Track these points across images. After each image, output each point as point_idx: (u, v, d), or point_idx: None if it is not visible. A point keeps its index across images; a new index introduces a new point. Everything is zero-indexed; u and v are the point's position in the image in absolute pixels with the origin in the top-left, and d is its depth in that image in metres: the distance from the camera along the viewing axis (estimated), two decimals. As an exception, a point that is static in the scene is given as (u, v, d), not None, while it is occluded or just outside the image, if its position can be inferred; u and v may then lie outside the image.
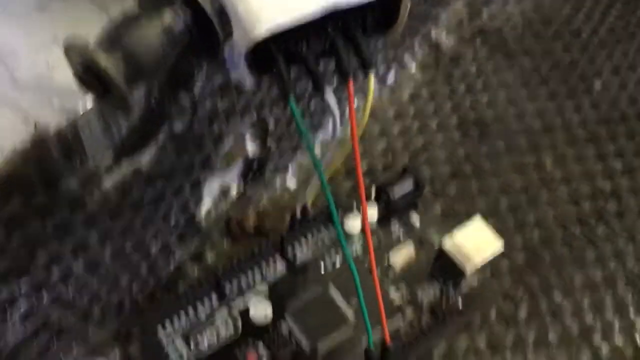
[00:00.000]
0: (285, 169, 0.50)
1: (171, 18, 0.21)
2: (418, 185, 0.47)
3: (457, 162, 0.53)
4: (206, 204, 0.44)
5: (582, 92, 0.58)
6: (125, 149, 0.30)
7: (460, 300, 0.43)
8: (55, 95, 0.28)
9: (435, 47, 0.60)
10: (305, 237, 0.45)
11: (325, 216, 0.46)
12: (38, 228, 0.26)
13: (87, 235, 0.30)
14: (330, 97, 0.25)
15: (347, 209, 0.47)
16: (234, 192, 0.46)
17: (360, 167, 0.28)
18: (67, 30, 0.31)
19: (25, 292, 0.28)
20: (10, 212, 0.24)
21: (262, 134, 0.44)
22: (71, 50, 0.20)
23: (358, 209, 0.46)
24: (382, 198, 0.47)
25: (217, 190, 0.45)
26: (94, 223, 0.30)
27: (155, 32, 0.20)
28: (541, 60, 0.61)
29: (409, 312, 0.42)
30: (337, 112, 0.26)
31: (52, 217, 0.27)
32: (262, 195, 0.49)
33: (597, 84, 0.59)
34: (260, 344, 0.40)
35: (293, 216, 0.43)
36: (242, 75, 0.26)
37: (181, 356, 0.39)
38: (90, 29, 0.31)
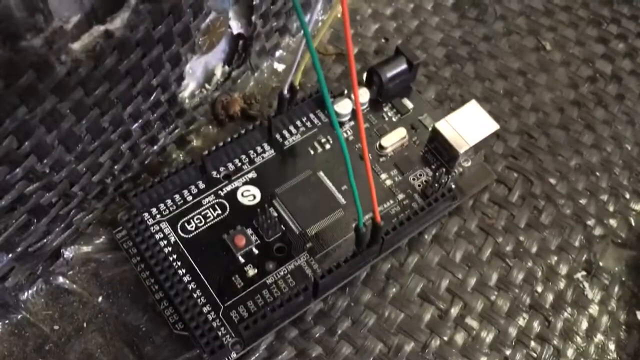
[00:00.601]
0: (273, 50, 0.48)
1: None
2: (410, 67, 0.44)
3: (453, 45, 0.50)
4: (190, 86, 0.42)
5: (587, -29, 0.55)
6: (95, 9, 0.28)
7: (452, 183, 0.42)
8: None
9: None
10: (293, 119, 0.44)
11: (314, 100, 0.44)
12: (1, 91, 0.25)
13: (58, 105, 0.28)
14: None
15: (336, 94, 0.45)
16: (218, 74, 0.44)
17: (351, 46, 0.25)
18: None
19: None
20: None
21: (246, 11, 0.41)
22: None
23: (348, 93, 0.44)
24: (374, 81, 0.45)
25: (201, 72, 0.43)
26: (64, 92, 0.28)
27: None
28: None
29: (401, 195, 0.41)
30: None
31: (15, 79, 0.25)
32: (249, 79, 0.47)
33: (603, -37, 0.56)
34: (249, 229, 0.39)
35: (281, 98, 0.41)
36: None
37: (168, 240, 0.38)
38: None
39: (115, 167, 0.37)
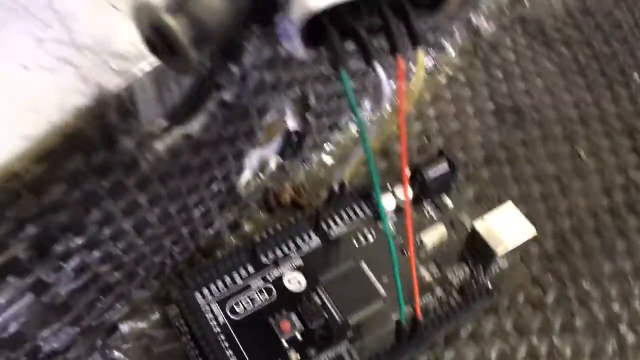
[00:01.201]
0: (323, 145, 0.51)
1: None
2: (452, 169, 0.47)
3: (492, 148, 0.53)
4: (246, 175, 0.45)
5: (621, 84, 0.58)
6: (178, 114, 0.31)
7: (489, 282, 0.44)
8: (113, 58, 0.29)
9: (475, 32, 0.60)
10: (340, 212, 0.47)
11: (361, 194, 0.47)
12: (95, 187, 0.28)
13: (139, 197, 0.31)
14: (381, 73, 0.26)
15: (381, 189, 0.48)
16: (272, 165, 0.47)
17: (406, 146, 0.28)
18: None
19: (79, 247, 0.30)
20: (72, 169, 0.26)
21: (303, 110, 0.45)
22: (140, 12, 0.21)
23: (392, 189, 0.47)
24: (417, 179, 0.48)
25: (257, 162, 0.46)
26: (146, 186, 0.31)
27: (221, -2, 0.22)
28: (580, 50, 0.60)
29: (439, 291, 0.43)
30: (387, 88, 0.27)
31: (108, 177, 0.28)
32: (300, 170, 0.50)
33: (636, 77, 0.59)
34: (294, 314, 0.41)
35: (331, 192, 0.44)
36: (295, 46, 0.27)
37: (218, 320, 0.40)
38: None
39: (175, 249, 0.40)
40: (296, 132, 0.47)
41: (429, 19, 0.29)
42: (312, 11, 0.25)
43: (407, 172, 0.48)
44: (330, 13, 0.26)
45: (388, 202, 0.47)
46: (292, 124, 0.46)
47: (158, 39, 0.21)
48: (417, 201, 0.48)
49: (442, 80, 0.57)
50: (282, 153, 0.48)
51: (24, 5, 0.31)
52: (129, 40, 0.30)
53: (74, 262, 0.30)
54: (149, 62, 0.29)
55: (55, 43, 0.30)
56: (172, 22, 0.20)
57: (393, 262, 0.33)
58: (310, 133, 0.48)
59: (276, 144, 0.47)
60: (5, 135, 0.26)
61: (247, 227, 0.47)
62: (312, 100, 0.44)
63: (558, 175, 0.52)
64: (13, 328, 0.29)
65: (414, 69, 0.28)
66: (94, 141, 0.26)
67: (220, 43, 0.29)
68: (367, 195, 0.47)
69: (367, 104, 0.53)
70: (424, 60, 0.27)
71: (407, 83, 0.28)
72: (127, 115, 0.29)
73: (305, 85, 0.41)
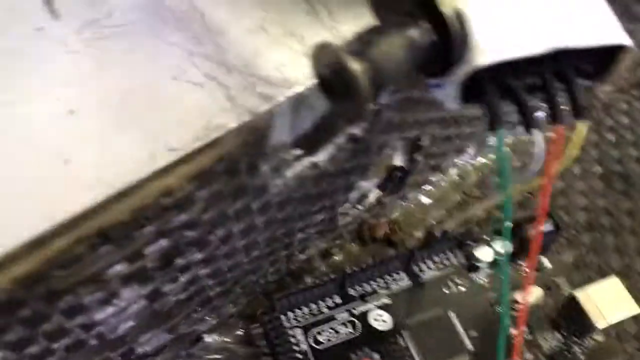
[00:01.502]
0: (423, 184, 0.50)
1: (418, 34, 0.21)
2: (556, 229, 0.46)
3: (596, 213, 0.51)
4: (345, 206, 0.45)
5: None
6: (308, 143, 0.31)
7: (582, 355, 0.42)
8: (258, 81, 0.29)
9: (590, 92, 0.58)
10: (434, 256, 0.46)
11: (457, 241, 0.46)
12: (228, 207, 0.28)
13: (257, 219, 0.32)
14: (539, 140, 0.25)
15: (477, 239, 0.47)
16: (372, 198, 0.47)
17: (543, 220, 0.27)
18: (275, 17, 0.32)
19: (197, 261, 0.30)
20: (216, 190, 0.26)
21: (413, 149, 0.45)
22: (321, 50, 0.21)
23: (488, 239, 0.46)
24: (517, 235, 0.46)
25: (357, 194, 0.46)
26: (266, 209, 0.31)
27: (401, 46, 0.21)
28: (699, 124, 0.58)
29: (528, 355, 0.42)
30: (541, 154, 0.26)
31: (241, 199, 0.28)
32: (397, 206, 0.49)
33: None
34: (376, 353, 0.40)
35: (428, 234, 0.43)
36: (447, 97, 0.27)
37: (299, 346, 0.40)
38: (297, 19, 0.32)
39: (270, 269, 0.40)
40: (400, 168, 0.47)
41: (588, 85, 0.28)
42: (477, 67, 0.24)
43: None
44: (492, 68, 0.25)
45: (485, 254, 0.45)
46: (398, 160, 0.46)
47: (336, 79, 0.21)
48: (514, 257, 0.47)
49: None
50: (382, 187, 0.48)
51: (178, 16, 0.31)
52: (275, 65, 0.30)
53: (188, 275, 0.30)
54: (291, 89, 0.29)
55: (206, 59, 0.30)
56: (355, 66, 0.20)
57: (501, 319, 0.32)
58: (414, 171, 0.48)
59: (378, 178, 0.47)
60: (153, 146, 0.26)
61: (338, 257, 0.46)
62: (425, 141, 0.44)
63: (663, 252, 0.49)
64: (121, 330, 0.30)
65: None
66: (237, 163, 0.26)
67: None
68: (462, 244, 0.46)
69: (470, 150, 0.52)
70: (584, 132, 0.26)
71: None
72: (265, 140, 0.29)
73: (425, 127, 0.41)
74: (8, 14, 0.30)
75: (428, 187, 0.51)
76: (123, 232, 0.23)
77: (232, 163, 0.26)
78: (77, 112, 0.27)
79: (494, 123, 0.25)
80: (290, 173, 0.30)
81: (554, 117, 0.25)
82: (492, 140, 0.26)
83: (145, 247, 0.25)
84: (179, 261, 0.28)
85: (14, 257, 0.21)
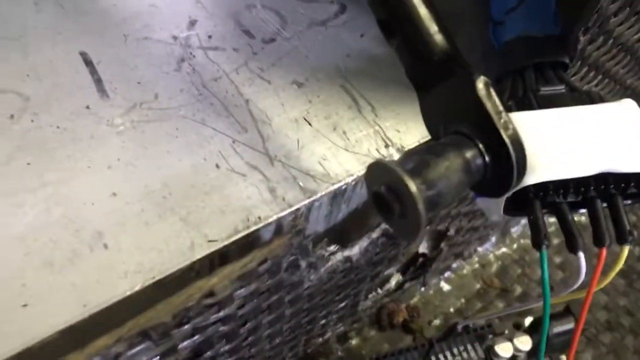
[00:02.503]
0: (444, 271, 0.50)
1: (473, 157, 0.21)
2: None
3: (616, 312, 0.50)
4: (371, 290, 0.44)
5: None
6: (343, 237, 0.31)
7: None
8: (300, 173, 0.29)
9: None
10: (452, 348, 0.45)
11: (477, 335, 0.45)
12: (263, 302, 0.28)
13: (286, 310, 0.31)
14: (582, 260, 0.25)
15: (498, 333, 0.46)
16: (393, 283, 0.46)
17: (580, 330, 0.27)
18: (319, 109, 0.33)
19: (224, 352, 0.29)
20: (254, 288, 0.26)
21: (439, 238, 0.44)
22: (378, 169, 0.21)
23: (511, 336, 0.45)
24: (538, 331, 0.45)
25: (378, 279, 0.45)
26: (297, 301, 0.31)
27: (457, 169, 0.21)
28: None
29: None
30: (583, 272, 0.26)
31: (277, 294, 0.28)
32: (416, 291, 0.49)
33: None
34: None
35: (450, 329, 0.42)
36: (491, 208, 0.27)
37: None
38: (339, 113, 0.33)
39: (289, 354, 0.40)
40: (423, 255, 0.47)
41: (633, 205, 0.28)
42: (525, 184, 0.24)
43: (525, 322, 0.46)
44: (539, 184, 0.25)
45: (504, 349, 0.44)
46: (422, 247, 0.45)
47: (393, 198, 0.20)
48: (533, 354, 0.46)
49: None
50: (404, 272, 0.47)
51: (224, 102, 0.32)
52: (317, 158, 0.30)
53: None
54: (332, 184, 0.29)
55: (249, 147, 0.30)
56: (414, 187, 0.20)
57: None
58: (437, 258, 0.47)
59: (402, 263, 0.46)
60: (193, 236, 0.26)
61: (355, 341, 0.46)
62: (452, 232, 0.43)
63: (684, 358, 0.48)
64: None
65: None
66: (280, 263, 0.26)
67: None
68: (482, 338, 0.45)
69: (493, 239, 0.52)
70: (626, 255, 0.26)
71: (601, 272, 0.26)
72: (302, 234, 0.29)
73: (455, 219, 0.41)
74: (57, 89, 0.31)
75: (448, 274, 0.51)
76: (163, 331, 0.23)
77: (275, 263, 0.26)
78: (118, 195, 0.27)
79: (538, 241, 0.25)
80: (325, 268, 0.30)
81: (599, 240, 0.25)
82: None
83: (180, 343, 0.25)
84: (209, 353, 0.28)
85: (52, 353, 0.21)
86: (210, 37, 0.35)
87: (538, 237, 0.25)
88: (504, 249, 0.53)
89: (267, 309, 0.29)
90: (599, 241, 0.25)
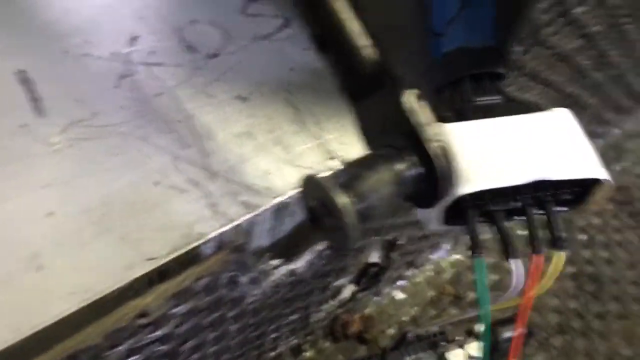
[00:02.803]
0: (397, 280, 0.50)
1: (405, 169, 0.22)
2: (528, 333, 0.46)
3: (567, 315, 0.51)
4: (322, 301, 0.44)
5: None
6: (287, 250, 0.31)
7: None
8: (242, 189, 0.29)
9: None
10: (407, 357, 0.45)
11: (429, 343, 0.46)
12: (203, 320, 0.27)
13: (231, 327, 0.31)
14: (517, 268, 0.26)
15: (450, 340, 0.46)
16: (346, 293, 0.46)
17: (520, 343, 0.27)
18: (263, 124, 0.33)
19: None
20: (191, 306, 0.26)
21: (389, 248, 0.45)
22: (310, 184, 0.21)
23: (463, 342, 0.46)
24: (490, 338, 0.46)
25: (331, 290, 0.45)
26: (241, 317, 0.31)
27: (388, 182, 0.21)
28: (666, 228, 0.59)
29: None
30: (516, 281, 0.26)
31: (217, 311, 0.28)
32: (369, 301, 0.49)
33: None
34: None
35: (402, 339, 0.43)
36: (430, 218, 0.27)
37: None
38: (283, 127, 0.33)
39: (241, 366, 0.39)
40: (375, 264, 0.47)
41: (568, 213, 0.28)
42: (459, 195, 0.25)
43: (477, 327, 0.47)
44: (474, 194, 0.26)
45: (456, 355, 0.45)
46: (374, 257, 0.46)
47: (325, 213, 0.21)
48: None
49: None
50: (357, 282, 0.47)
51: (165, 119, 0.31)
52: (260, 172, 0.30)
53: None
54: (275, 198, 0.29)
55: (190, 164, 0.30)
56: (343, 201, 0.20)
57: None
58: (389, 267, 0.48)
59: (353, 273, 0.46)
60: (131, 254, 0.26)
61: (309, 353, 0.46)
62: (402, 241, 0.44)
63: (632, 358, 0.49)
64: None
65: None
66: (218, 279, 0.26)
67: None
68: (435, 345, 0.46)
69: (446, 246, 0.52)
70: (561, 264, 0.26)
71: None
72: (244, 249, 0.28)
73: (403, 229, 0.41)
74: (-8, 108, 0.30)
75: (402, 283, 0.51)
76: (94, 353, 0.23)
77: (213, 280, 0.26)
78: (55, 215, 0.27)
79: (474, 250, 0.25)
80: (268, 282, 0.30)
81: (532, 247, 0.26)
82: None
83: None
84: (148, 373, 0.27)
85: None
86: (152, 52, 0.35)
87: (474, 245, 0.26)
88: (457, 256, 0.53)
89: (210, 326, 0.29)
90: (533, 248, 0.26)
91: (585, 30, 0.35)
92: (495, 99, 0.29)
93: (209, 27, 0.37)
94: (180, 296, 0.25)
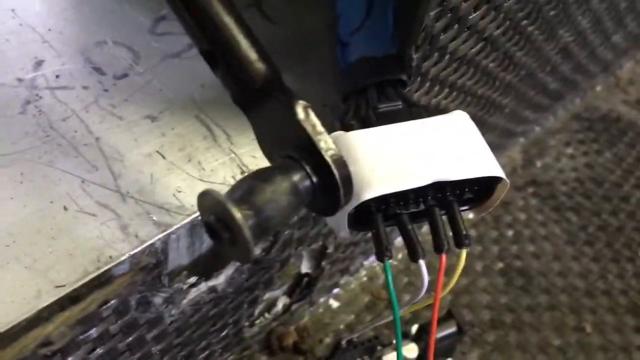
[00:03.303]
0: (332, 288, 0.51)
1: (300, 180, 0.22)
2: (460, 331, 0.47)
3: (498, 310, 0.53)
4: (253, 316, 0.44)
5: (626, 259, 0.59)
6: (205, 267, 0.31)
7: None
8: (154, 208, 0.29)
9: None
10: (342, 364, 0.45)
11: (365, 347, 0.46)
12: (118, 343, 0.27)
13: (153, 348, 0.31)
14: (423, 268, 0.26)
15: (385, 344, 0.47)
16: (279, 306, 0.47)
17: (434, 339, 0.28)
18: (174, 142, 0.33)
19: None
20: (102, 331, 0.25)
21: (318, 256, 0.45)
22: (206, 199, 0.21)
23: (395, 344, 0.46)
24: (422, 339, 0.47)
25: (264, 303, 0.45)
26: (163, 338, 0.31)
27: (284, 192, 0.22)
28: (588, 219, 0.62)
29: None
30: (426, 281, 0.27)
31: (133, 334, 0.27)
32: (305, 312, 0.49)
33: (642, 253, 0.60)
34: None
35: (337, 344, 0.43)
36: (338, 225, 0.28)
37: None
38: (194, 144, 0.33)
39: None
40: (307, 274, 0.47)
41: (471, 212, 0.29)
42: (361, 201, 0.25)
43: (412, 330, 0.47)
44: (379, 199, 0.26)
45: (392, 358, 0.45)
46: (305, 267, 0.46)
47: (221, 227, 0.21)
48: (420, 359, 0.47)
49: (453, 232, 0.58)
50: (290, 294, 0.48)
51: (73, 143, 0.31)
52: (172, 191, 0.30)
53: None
54: (188, 216, 0.29)
55: (99, 186, 0.30)
56: (238, 215, 0.20)
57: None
58: (321, 277, 0.48)
59: (286, 285, 0.47)
60: (39, 282, 0.25)
61: (246, 369, 0.45)
62: (330, 249, 0.44)
63: (563, 347, 0.51)
64: None
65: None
66: (127, 302, 0.26)
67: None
68: (371, 350, 0.46)
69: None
70: (464, 258, 0.27)
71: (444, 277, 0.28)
72: (159, 268, 0.28)
73: (328, 237, 0.41)
74: None
75: (337, 291, 0.51)
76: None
77: (121, 303, 0.25)
78: (-43, 247, 0.26)
79: (380, 254, 0.26)
80: (186, 300, 0.30)
81: (436, 246, 0.26)
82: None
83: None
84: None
85: None
86: (57, 76, 0.34)
87: (380, 249, 0.26)
88: (390, 260, 0.54)
89: (128, 349, 0.28)
90: (438, 247, 0.27)
91: (485, 34, 0.36)
92: (397, 105, 0.30)
93: (116, 48, 0.37)
94: (86, 322, 0.24)
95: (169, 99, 0.35)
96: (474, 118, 0.29)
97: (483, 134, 0.29)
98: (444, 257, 0.27)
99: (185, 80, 0.36)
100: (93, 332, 0.25)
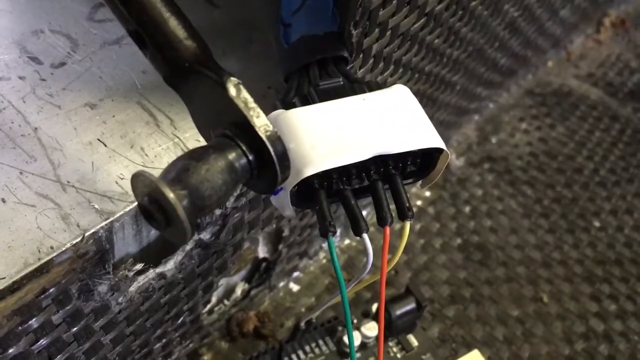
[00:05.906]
0: (291, 272, 0.51)
1: (235, 158, 0.22)
2: (419, 307, 0.47)
3: (457, 285, 0.53)
4: (210, 303, 0.44)
5: (581, 229, 0.60)
6: (153, 254, 0.31)
7: None
8: (96, 196, 0.29)
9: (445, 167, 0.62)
10: (303, 345, 0.45)
11: (326, 329, 0.46)
12: (63, 334, 0.27)
13: (103, 338, 0.30)
14: (367, 242, 0.26)
15: (345, 324, 0.47)
16: (238, 292, 0.46)
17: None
18: (114, 129, 0.32)
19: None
20: (43, 321, 0.25)
21: (275, 240, 0.45)
22: (139, 181, 0.21)
23: (358, 324, 0.47)
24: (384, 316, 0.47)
25: (222, 290, 0.45)
26: (112, 327, 0.30)
27: (219, 171, 0.21)
28: (543, 192, 0.63)
29: None
30: (370, 255, 0.27)
31: (78, 324, 0.27)
32: (265, 297, 0.49)
33: (596, 223, 0.61)
34: None
35: (296, 326, 0.43)
36: (282, 204, 0.28)
37: None
38: (136, 130, 0.32)
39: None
40: (265, 259, 0.47)
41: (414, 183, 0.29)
42: (302, 177, 0.25)
43: (372, 309, 0.48)
44: (321, 175, 0.26)
45: (354, 338, 0.46)
46: (262, 251, 0.46)
47: (155, 208, 0.21)
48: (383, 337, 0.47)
49: (411, 211, 0.58)
50: (249, 279, 0.47)
51: (10, 135, 0.30)
52: (114, 178, 0.30)
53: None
54: (132, 203, 0.29)
55: (38, 177, 0.29)
56: (171, 195, 0.20)
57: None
58: (278, 261, 0.48)
59: (244, 271, 0.46)
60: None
61: (207, 356, 0.45)
62: (286, 232, 0.44)
63: (521, 318, 0.52)
64: None
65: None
66: (67, 291, 0.25)
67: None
68: (332, 330, 0.46)
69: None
70: (408, 231, 0.27)
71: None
72: (103, 257, 0.28)
73: (282, 220, 0.41)
74: None
75: (297, 274, 0.51)
76: None
77: (61, 291, 0.25)
78: None
79: (324, 230, 0.26)
80: (133, 288, 0.30)
81: (379, 219, 0.27)
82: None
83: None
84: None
85: None
86: (-8, 67, 0.33)
87: (323, 225, 0.26)
88: (347, 241, 0.54)
89: (75, 340, 0.28)
90: (381, 221, 0.27)
91: (426, 10, 0.36)
92: (338, 81, 0.30)
93: (54, 37, 0.36)
94: (24, 312, 0.24)
95: (109, 86, 0.34)
96: (424, 95, 0.29)
97: (435, 112, 0.29)
98: (387, 229, 0.27)
99: (126, 66, 0.35)
100: (33, 323, 0.25)
